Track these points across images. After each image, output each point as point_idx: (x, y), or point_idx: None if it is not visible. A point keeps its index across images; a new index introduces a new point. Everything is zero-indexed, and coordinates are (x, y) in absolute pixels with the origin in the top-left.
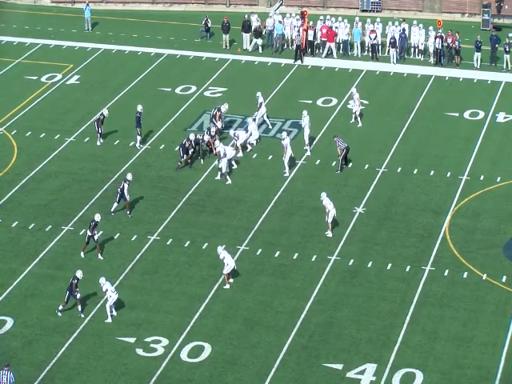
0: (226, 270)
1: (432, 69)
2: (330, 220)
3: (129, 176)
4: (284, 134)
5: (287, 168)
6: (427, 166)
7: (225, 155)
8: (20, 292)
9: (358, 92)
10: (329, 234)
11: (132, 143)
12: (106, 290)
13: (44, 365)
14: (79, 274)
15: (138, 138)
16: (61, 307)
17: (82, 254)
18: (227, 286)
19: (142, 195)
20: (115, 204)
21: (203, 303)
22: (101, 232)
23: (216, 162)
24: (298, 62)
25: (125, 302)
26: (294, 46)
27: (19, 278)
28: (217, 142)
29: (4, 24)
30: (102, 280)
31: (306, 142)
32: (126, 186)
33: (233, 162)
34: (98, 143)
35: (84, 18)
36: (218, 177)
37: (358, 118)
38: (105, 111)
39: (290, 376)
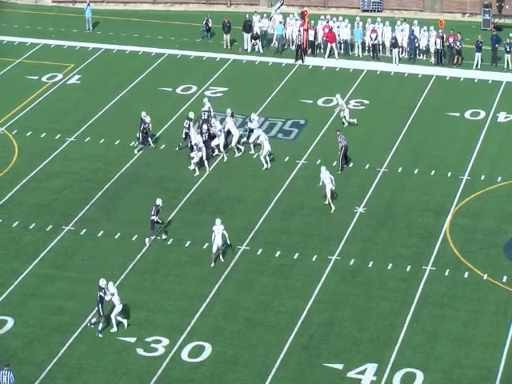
0: (214, 248)
1: (433, 69)
2: (328, 195)
3: (191, 114)
4: (260, 130)
5: (264, 163)
6: (428, 165)
7: (200, 149)
8: (21, 292)
9: (341, 98)
10: (332, 207)
11: (133, 143)
12: (113, 294)
13: (45, 365)
14: (102, 282)
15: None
16: (100, 326)
17: (147, 240)
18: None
19: (142, 195)
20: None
21: (204, 303)
22: (102, 231)
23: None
24: (299, 61)
25: (125, 301)
26: (295, 46)
27: (20, 278)
28: (198, 137)
29: (5, 24)
30: (110, 285)
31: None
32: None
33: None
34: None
35: (85, 17)
36: (192, 166)
37: (350, 119)
38: (147, 118)
39: (291, 376)
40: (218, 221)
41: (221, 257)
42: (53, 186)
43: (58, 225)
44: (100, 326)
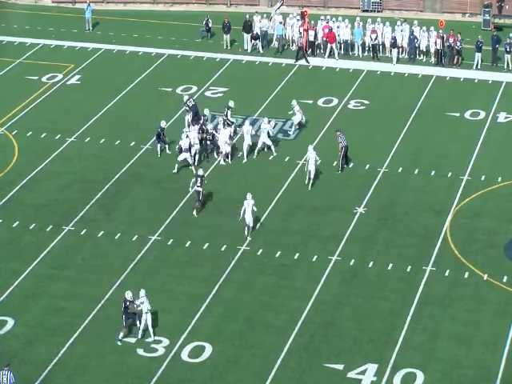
0: (245, 222)
1: (433, 69)
2: (310, 174)
3: (231, 103)
4: (247, 122)
5: (245, 155)
6: (428, 166)
7: (186, 150)
8: (21, 292)
9: (297, 104)
10: (309, 186)
11: (133, 143)
12: (142, 302)
13: (45, 365)
14: (129, 296)
15: (165, 145)
16: (121, 335)
17: (194, 212)
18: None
19: (142, 195)
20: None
21: (204, 303)
22: (102, 231)
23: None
24: (300, 61)
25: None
26: (295, 47)
27: (20, 278)
28: (183, 135)
29: (5, 24)
30: (142, 293)
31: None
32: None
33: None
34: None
35: (85, 18)
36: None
37: (297, 126)
38: (162, 123)
39: (291, 376)
40: (248, 195)
41: (248, 235)
42: (53, 186)
43: (58, 225)
44: (121, 335)
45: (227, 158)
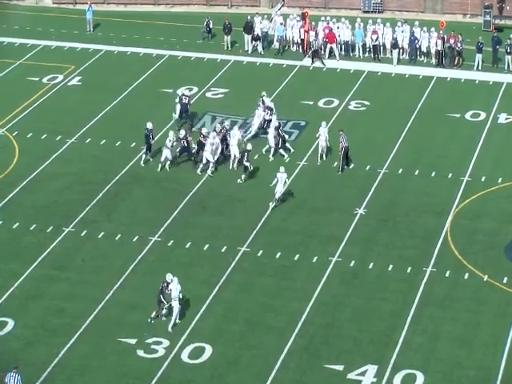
0: (276, 194)
1: (434, 70)
2: (319, 151)
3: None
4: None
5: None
6: (428, 166)
7: (166, 147)
8: (21, 293)
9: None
10: (318, 161)
11: (133, 144)
12: (170, 290)
13: (45, 366)
14: (169, 278)
15: (144, 155)
16: (153, 314)
17: (238, 180)
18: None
19: (143, 196)
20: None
21: (204, 304)
22: (102, 233)
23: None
24: (318, 63)
25: (126, 303)
26: (312, 49)
27: (20, 279)
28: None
29: (6, 25)
30: (175, 280)
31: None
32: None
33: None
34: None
35: (86, 19)
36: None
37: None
38: (148, 125)
39: (291, 377)
40: (281, 168)
41: (272, 204)
42: (53, 187)
43: (58, 226)
44: (153, 314)
45: (237, 163)
